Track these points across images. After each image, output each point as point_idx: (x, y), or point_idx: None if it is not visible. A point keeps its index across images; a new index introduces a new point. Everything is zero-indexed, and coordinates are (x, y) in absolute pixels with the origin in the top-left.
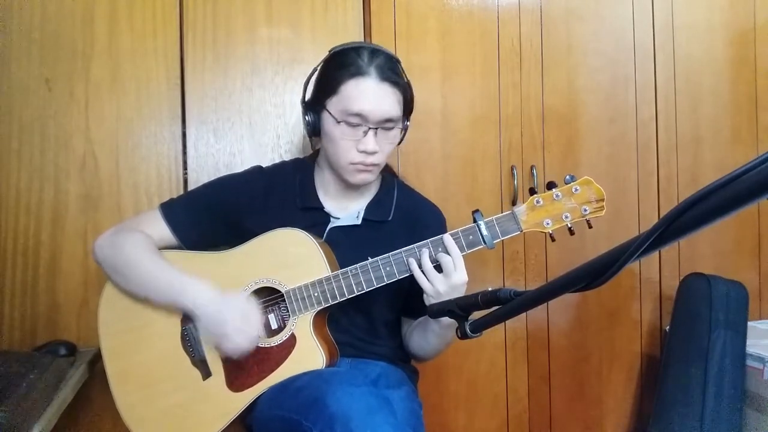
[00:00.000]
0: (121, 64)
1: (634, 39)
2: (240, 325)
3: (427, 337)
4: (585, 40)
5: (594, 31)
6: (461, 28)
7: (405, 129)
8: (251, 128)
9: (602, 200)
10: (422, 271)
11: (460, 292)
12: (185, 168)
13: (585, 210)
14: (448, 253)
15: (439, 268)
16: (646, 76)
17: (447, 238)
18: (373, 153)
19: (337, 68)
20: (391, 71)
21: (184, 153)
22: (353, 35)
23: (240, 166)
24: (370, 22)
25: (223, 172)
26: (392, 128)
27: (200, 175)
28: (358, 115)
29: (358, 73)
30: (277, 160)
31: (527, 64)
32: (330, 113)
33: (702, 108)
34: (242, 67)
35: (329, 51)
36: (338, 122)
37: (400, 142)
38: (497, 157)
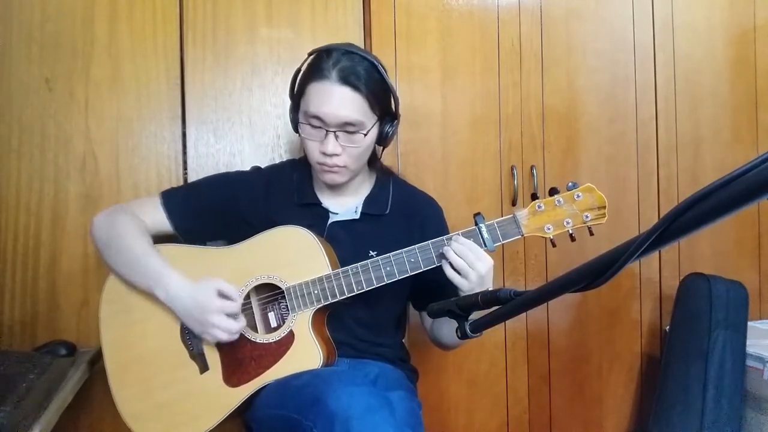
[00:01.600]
0: (121, 64)
1: (634, 39)
2: (222, 317)
3: None
4: (585, 40)
5: (594, 31)
6: (461, 28)
7: (387, 129)
8: (251, 128)
9: (604, 207)
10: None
11: (490, 279)
12: (185, 168)
13: (586, 217)
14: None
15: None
16: (646, 76)
17: (457, 237)
18: (333, 155)
19: (307, 70)
20: (355, 75)
21: (184, 153)
22: (353, 35)
23: (240, 166)
24: (370, 22)
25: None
26: (354, 132)
27: (200, 175)
28: (317, 117)
29: (320, 76)
30: (277, 160)
31: (527, 64)
32: (298, 114)
33: (702, 108)
34: (242, 67)
35: (308, 53)
36: (301, 123)
37: (385, 145)
38: (497, 157)
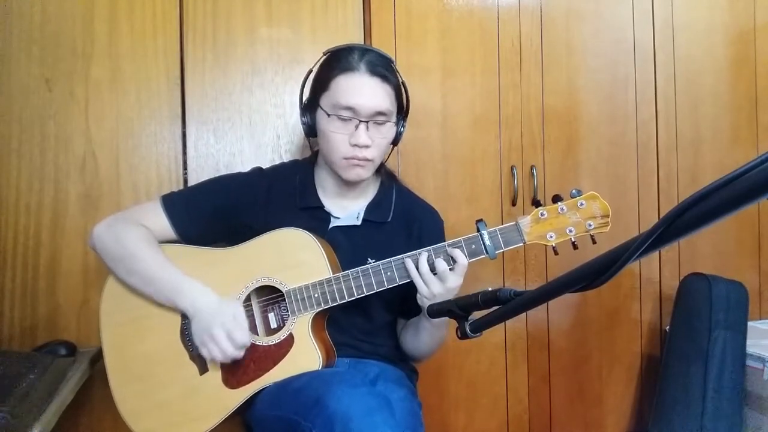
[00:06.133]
0: (121, 64)
1: (634, 39)
2: (224, 337)
3: (419, 335)
4: (585, 40)
5: (594, 31)
6: (461, 28)
7: (400, 128)
8: (251, 128)
9: (607, 216)
10: (419, 273)
11: (453, 295)
12: (185, 168)
13: (590, 225)
14: (453, 259)
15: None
16: (646, 76)
17: (456, 252)
18: (365, 147)
19: (329, 66)
20: (382, 67)
21: (184, 153)
22: (353, 35)
23: (240, 166)
24: (370, 22)
25: (223, 172)
26: (384, 122)
27: (200, 175)
28: (349, 108)
29: (349, 68)
30: (277, 160)
31: (527, 64)
32: (322, 109)
33: (702, 108)
34: (242, 67)
35: (323, 53)
36: (329, 116)
37: (396, 144)
38: (497, 157)
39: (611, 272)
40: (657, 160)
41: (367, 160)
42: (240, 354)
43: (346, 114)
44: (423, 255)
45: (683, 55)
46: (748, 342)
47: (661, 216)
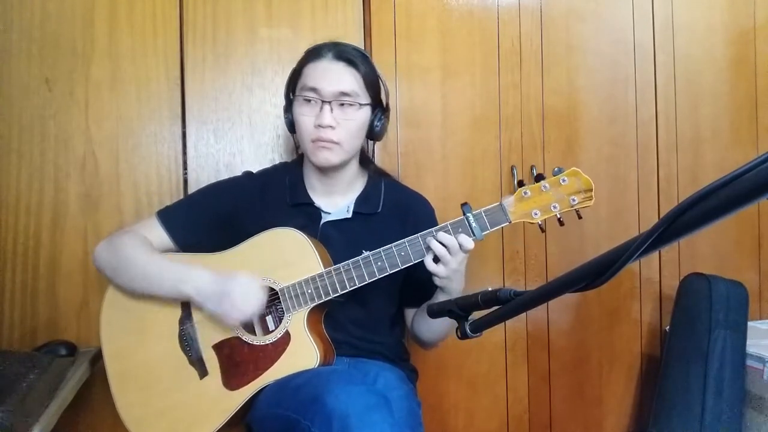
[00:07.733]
0: (121, 64)
1: (634, 39)
2: (243, 292)
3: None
4: (585, 40)
5: (594, 31)
6: (461, 28)
7: (377, 120)
8: (251, 128)
9: (590, 190)
10: (433, 259)
11: (462, 273)
12: (185, 168)
13: (573, 200)
14: (443, 242)
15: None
16: (646, 76)
17: (442, 235)
18: (329, 127)
19: (303, 59)
20: (350, 54)
21: (184, 153)
22: (353, 35)
23: (240, 165)
24: (370, 22)
25: (223, 172)
26: (351, 104)
27: (200, 175)
28: (313, 89)
29: (316, 57)
30: (277, 160)
31: (527, 64)
32: (292, 95)
33: (702, 108)
34: (242, 67)
35: (305, 51)
36: (296, 100)
37: (377, 139)
38: (497, 157)
39: (611, 272)
40: (657, 160)
41: (333, 142)
42: (264, 300)
43: (310, 95)
44: (432, 239)
45: (683, 55)
46: (748, 342)
47: (661, 216)
